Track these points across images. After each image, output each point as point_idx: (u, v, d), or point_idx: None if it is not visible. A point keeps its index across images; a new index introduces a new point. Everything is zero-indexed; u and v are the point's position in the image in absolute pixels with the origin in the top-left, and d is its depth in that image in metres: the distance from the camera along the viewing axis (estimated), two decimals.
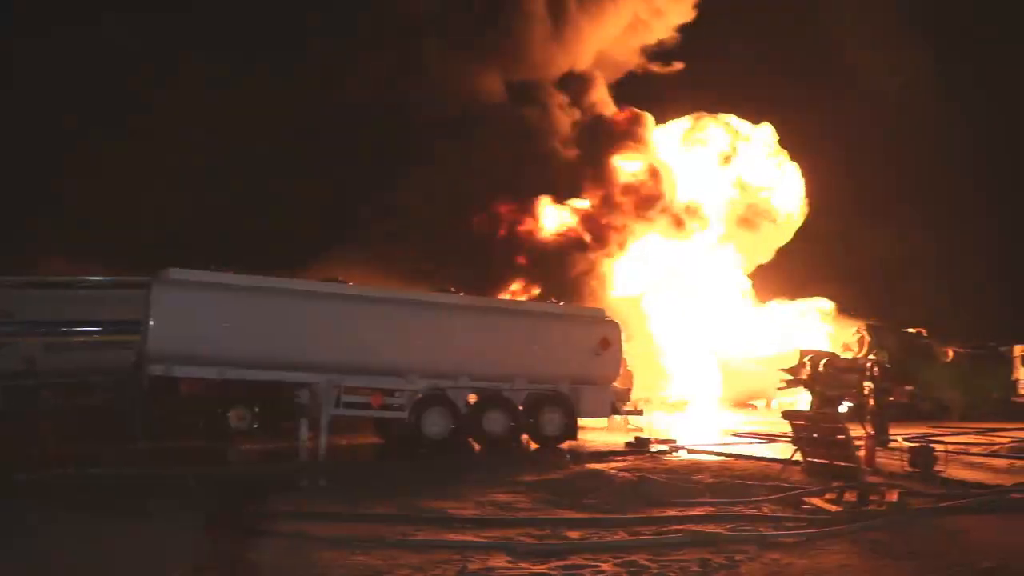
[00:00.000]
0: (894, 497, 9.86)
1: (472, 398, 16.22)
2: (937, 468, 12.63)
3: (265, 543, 7.80)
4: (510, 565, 7.11)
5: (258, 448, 16.33)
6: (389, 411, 15.46)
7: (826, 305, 33.78)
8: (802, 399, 22.98)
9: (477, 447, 15.99)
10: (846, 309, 32.77)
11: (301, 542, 7.87)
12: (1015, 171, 41.49)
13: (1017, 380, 33.83)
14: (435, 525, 8.70)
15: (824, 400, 19.52)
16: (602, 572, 6.97)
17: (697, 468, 13.34)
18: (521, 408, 16.27)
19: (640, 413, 19.67)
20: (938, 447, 15.18)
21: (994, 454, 15.87)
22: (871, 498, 9.87)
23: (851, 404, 19.08)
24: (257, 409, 17.83)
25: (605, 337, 17.19)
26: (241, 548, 7.63)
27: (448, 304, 16.71)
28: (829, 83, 39.56)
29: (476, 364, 15.80)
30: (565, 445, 16.25)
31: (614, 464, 13.68)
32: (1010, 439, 18.40)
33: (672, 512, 9.34)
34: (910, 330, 30.08)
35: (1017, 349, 35.71)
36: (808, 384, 20.62)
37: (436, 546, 7.72)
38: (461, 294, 18.08)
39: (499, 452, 15.41)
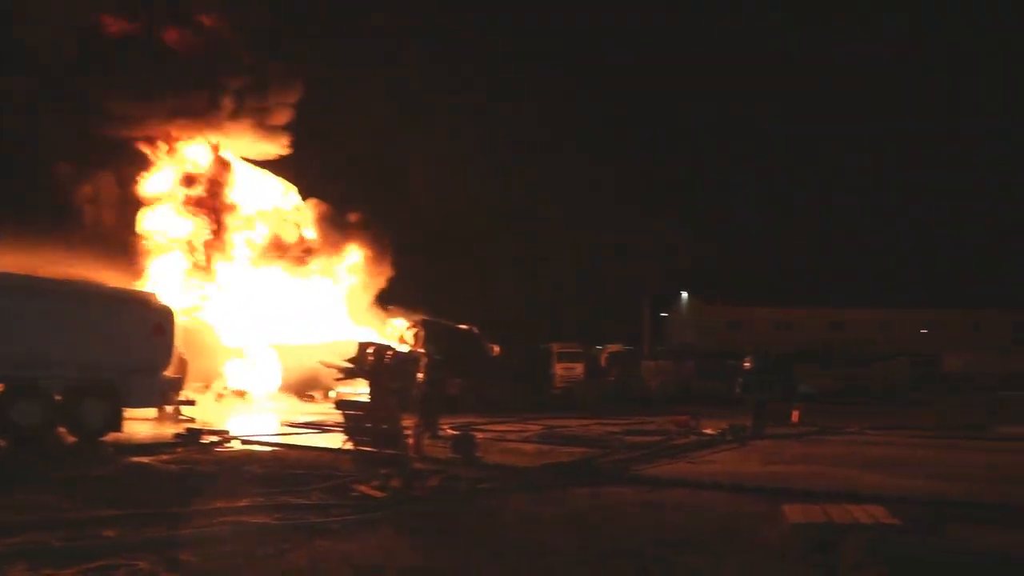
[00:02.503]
0: (436, 482, 10.50)
1: None
2: (478, 454, 13.69)
3: None
4: (30, 574, 6.40)
5: None
6: None
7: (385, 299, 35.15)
8: (361, 390, 23.59)
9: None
10: (399, 303, 34.31)
11: None
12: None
13: (554, 374, 37.86)
14: None
15: (383, 391, 20.18)
16: (139, 571, 6.55)
17: (249, 459, 13.13)
18: (59, 398, 14.88)
19: (193, 403, 18.95)
20: (480, 435, 16.43)
21: (526, 440, 17.53)
22: (416, 484, 10.34)
23: (409, 395, 19.93)
24: None
25: (158, 323, 16.31)
26: None
27: None
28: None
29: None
30: (109, 438, 15.13)
31: (162, 457, 13.02)
32: (542, 426, 20.51)
33: (219, 504, 9.06)
34: (462, 326, 32.36)
35: (555, 347, 39.94)
36: (367, 375, 21.19)
37: None
38: None
39: (31, 447, 13.97)
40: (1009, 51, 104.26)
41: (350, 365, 20.05)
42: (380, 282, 36.02)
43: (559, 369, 38.68)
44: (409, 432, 13.88)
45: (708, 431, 18.43)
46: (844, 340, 68.77)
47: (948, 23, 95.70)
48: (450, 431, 16.64)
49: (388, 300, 34.56)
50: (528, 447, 16.28)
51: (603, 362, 40.14)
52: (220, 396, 27.41)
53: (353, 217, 35.70)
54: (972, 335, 69.72)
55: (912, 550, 6.78)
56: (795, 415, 21.87)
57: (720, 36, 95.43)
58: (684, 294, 75.64)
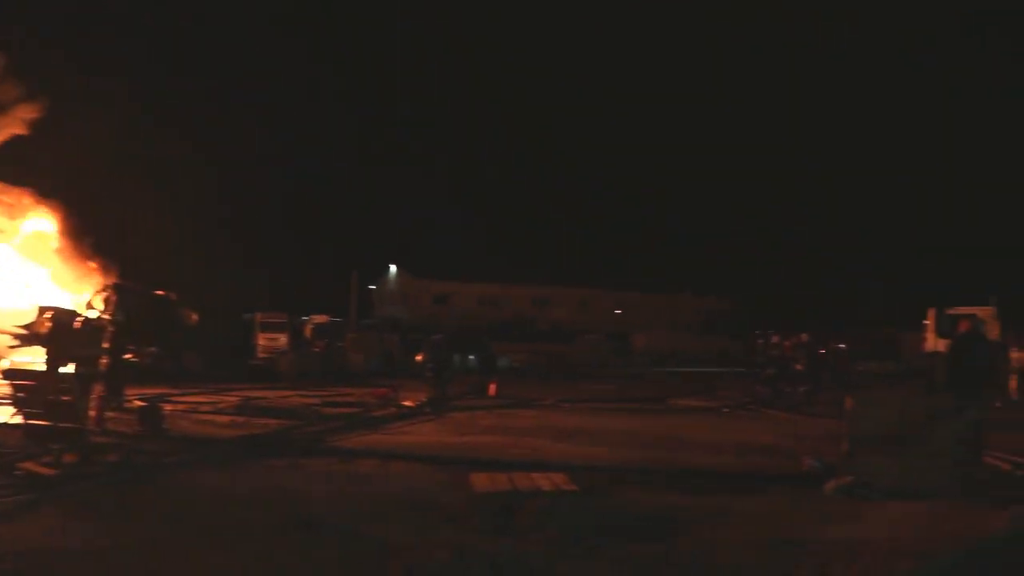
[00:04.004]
0: (116, 457, 9.92)
1: None
2: (165, 426, 13.07)
3: None
4: None
5: None
6: None
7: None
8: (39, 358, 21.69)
9: None
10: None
11: None
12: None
13: (257, 344, 36.87)
14: None
15: (63, 359, 18.66)
16: None
17: None
18: None
19: None
20: (170, 407, 15.69)
21: (220, 412, 16.98)
22: (93, 459, 9.71)
23: (95, 364, 18.60)
24: None
25: None
26: None
27: None
28: None
29: None
30: None
31: None
32: (239, 397, 19.93)
33: None
34: (158, 292, 30.58)
35: (258, 316, 38.89)
36: (45, 341, 19.51)
37: None
38: None
39: None
40: None
41: (23, 331, 18.31)
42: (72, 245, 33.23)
43: (262, 339, 37.76)
44: (92, 404, 12.97)
45: (407, 403, 18.75)
46: (547, 317, 72.36)
47: None
48: (138, 403, 15.75)
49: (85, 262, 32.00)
50: (222, 419, 15.79)
51: (308, 333, 39.65)
52: None
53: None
54: (665, 316, 75.57)
55: (580, 513, 7.31)
56: (492, 388, 22.72)
57: None
58: (393, 267, 76.21)
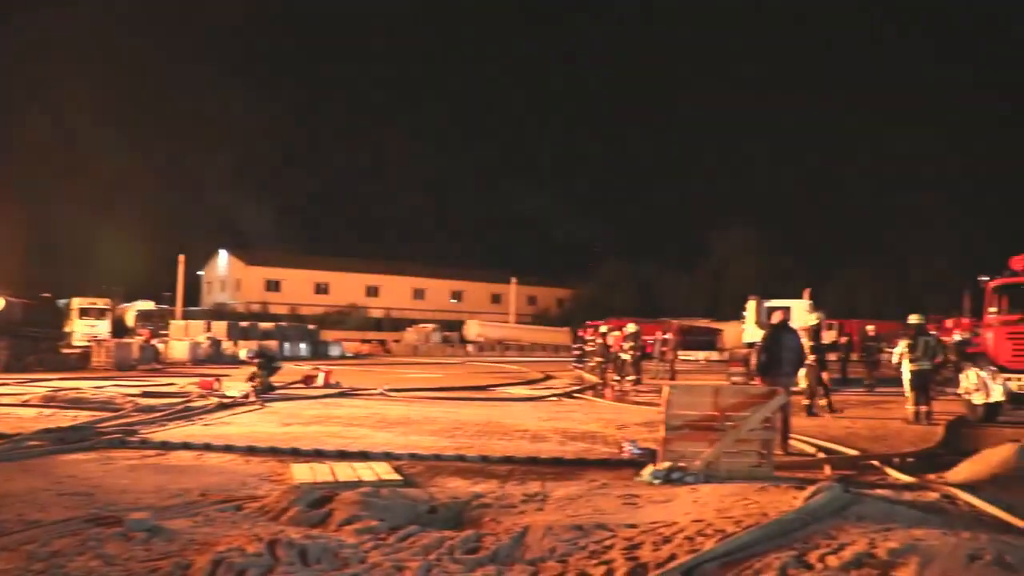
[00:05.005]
0: None
1: None
2: None
3: None
4: None
5: None
6: None
7: None
8: None
9: None
10: None
11: None
12: None
13: (72, 332, 34.97)
14: None
15: None
16: None
17: None
18: None
19: None
20: None
21: (26, 403, 16.07)
22: None
23: None
24: None
25: None
26: None
27: None
28: None
29: None
30: None
31: None
32: (49, 388, 18.88)
33: None
34: None
35: (75, 302, 36.91)
36: None
37: None
38: None
39: None
40: None
41: None
42: None
43: (79, 326, 35.96)
44: None
45: (232, 393, 18.25)
46: (379, 304, 71.93)
47: None
48: None
49: None
50: (28, 411, 14.92)
51: (130, 321, 38.05)
52: None
53: None
54: (498, 305, 76.41)
55: (398, 503, 7.32)
56: (321, 376, 22.41)
57: None
58: (223, 252, 73.92)
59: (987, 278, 16.89)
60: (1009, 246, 16.88)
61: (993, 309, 16.46)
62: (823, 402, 16.83)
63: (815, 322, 18.18)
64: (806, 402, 16.37)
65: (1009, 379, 14.87)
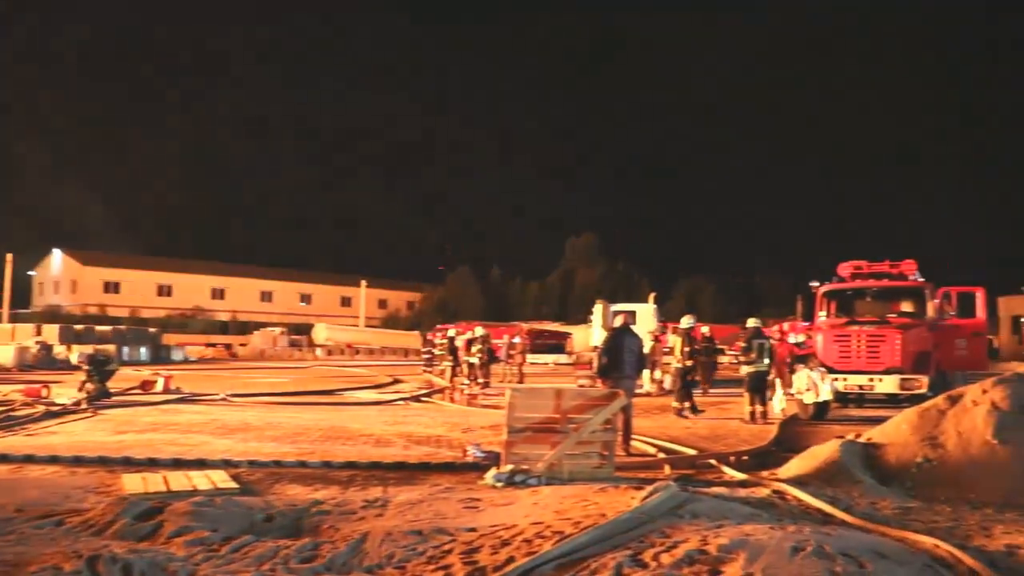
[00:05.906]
0: None
1: None
2: None
3: None
4: None
5: None
6: None
7: None
8: None
9: None
10: None
11: None
12: None
13: None
14: None
15: None
16: None
17: None
18: None
19: None
20: None
21: None
22: None
23: None
24: None
25: None
26: None
27: None
28: None
29: None
30: None
31: None
32: None
33: None
34: None
35: None
36: None
37: None
38: None
39: None
40: None
41: None
42: None
43: None
44: None
45: (61, 400, 17.31)
46: (225, 307, 69.87)
47: None
48: None
49: None
50: None
51: None
52: None
53: None
54: (346, 308, 75.44)
55: (232, 512, 7.09)
56: (159, 382, 21.55)
57: None
58: (57, 251, 70.11)
59: (817, 284, 17.90)
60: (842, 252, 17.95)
61: (823, 313, 17.45)
62: (687, 404, 17.28)
63: (687, 325, 18.61)
64: (676, 405, 16.99)
65: (836, 379, 15.83)
